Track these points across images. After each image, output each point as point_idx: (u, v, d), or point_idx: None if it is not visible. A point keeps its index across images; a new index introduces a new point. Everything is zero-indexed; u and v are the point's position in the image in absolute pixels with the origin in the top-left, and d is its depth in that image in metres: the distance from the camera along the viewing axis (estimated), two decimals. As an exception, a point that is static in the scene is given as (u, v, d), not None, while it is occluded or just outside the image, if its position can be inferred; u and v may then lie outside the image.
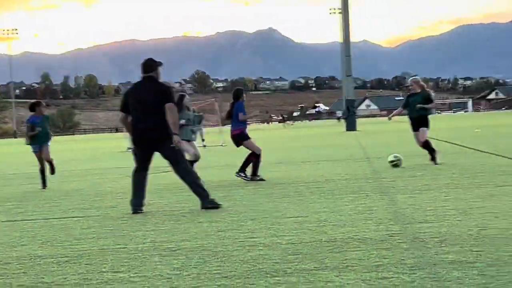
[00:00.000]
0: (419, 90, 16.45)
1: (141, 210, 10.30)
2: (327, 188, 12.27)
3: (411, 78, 17.70)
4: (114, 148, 41.82)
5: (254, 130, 45.12)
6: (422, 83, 16.84)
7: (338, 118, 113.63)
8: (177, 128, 10.35)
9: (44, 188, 15.47)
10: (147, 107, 10.25)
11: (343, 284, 5.15)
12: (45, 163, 15.85)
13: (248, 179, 14.65)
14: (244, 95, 15.41)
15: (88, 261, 6.63)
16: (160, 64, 10.53)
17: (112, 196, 13.20)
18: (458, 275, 5.22)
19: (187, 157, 14.10)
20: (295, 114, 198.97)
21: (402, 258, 5.97)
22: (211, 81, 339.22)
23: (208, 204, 10.19)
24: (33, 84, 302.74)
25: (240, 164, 15.01)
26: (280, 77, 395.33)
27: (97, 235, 8.27)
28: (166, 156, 10.39)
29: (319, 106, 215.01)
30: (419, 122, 16.19)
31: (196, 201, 10.48)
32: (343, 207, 9.53)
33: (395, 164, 15.88)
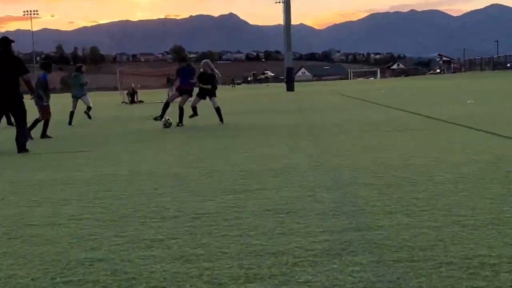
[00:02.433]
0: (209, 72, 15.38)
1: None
2: (271, 132, 12.21)
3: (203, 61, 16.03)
4: (112, 101, 41.19)
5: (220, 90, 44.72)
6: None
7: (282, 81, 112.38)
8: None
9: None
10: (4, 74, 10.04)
11: (279, 199, 5.12)
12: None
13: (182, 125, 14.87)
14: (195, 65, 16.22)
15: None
16: (13, 41, 10.31)
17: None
18: (364, 194, 5.25)
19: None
20: (249, 79, 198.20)
21: (324, 181, 5.96)
22: (186, 53, 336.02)
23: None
24: (50, 53, 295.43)
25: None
26: (238, 51, 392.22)
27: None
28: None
29: (267, 73, 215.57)
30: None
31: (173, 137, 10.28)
32: (282, 145, 9.51)
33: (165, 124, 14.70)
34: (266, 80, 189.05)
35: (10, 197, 5.92)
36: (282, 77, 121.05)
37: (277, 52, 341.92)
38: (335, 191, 5.45)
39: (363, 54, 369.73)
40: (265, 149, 9.12)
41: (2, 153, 10.33)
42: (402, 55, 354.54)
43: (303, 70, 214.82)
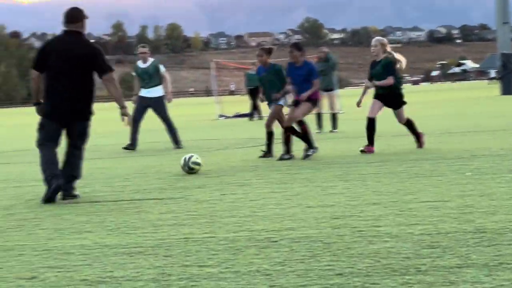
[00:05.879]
0: (383, 56, 15.50)
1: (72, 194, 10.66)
2: (475, 166, 12.13)
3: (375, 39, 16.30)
4: (205, 115, 42.36)
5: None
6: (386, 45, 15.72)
7: (491, 79, 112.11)
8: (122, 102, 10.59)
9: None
10: (69, 71, 10.09)
11: (494, 286, 5.05)
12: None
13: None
14: None
15: (168, 253, 6.73)
16: (87, 16, 10.39)
17: (200, 174, 13.35)
18: None
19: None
20: (434, 73, 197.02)
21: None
22: (325, 31, 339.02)
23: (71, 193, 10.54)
24: (102, 36, 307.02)
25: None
26: (415, 27, 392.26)
27: (178, 221, 8.41)
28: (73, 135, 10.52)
29: (465, 64, 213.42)
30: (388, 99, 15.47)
31: (306, 180, 10.50)
32: (495, 190, 9.41)
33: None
34: (464, 74, 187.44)
35: None
36: (494, 69, 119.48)
37: (484, 27, 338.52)
38: None
39: None
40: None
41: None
42: None
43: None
